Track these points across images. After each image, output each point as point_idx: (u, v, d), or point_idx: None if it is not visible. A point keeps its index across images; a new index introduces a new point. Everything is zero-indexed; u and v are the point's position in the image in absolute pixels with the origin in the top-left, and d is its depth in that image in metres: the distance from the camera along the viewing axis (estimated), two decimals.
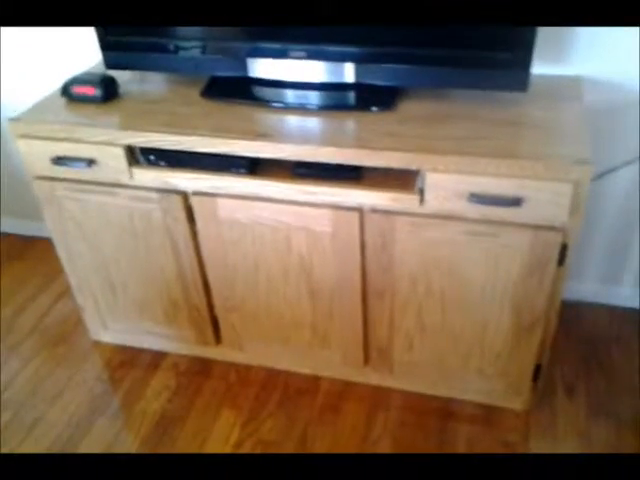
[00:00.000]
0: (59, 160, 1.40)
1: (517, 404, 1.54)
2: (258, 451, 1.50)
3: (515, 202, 1.18)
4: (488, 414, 1.55)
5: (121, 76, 1.52)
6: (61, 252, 1.61)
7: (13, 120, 1.41)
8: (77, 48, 1.75)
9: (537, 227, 1.22)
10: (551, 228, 1.21)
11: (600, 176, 1.58)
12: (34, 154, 1.43)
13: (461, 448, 1.48)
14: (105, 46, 1.46)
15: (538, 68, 1.45)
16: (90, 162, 1.39)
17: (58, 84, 1.49)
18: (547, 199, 1.17)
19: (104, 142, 1.36)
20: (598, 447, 1.47)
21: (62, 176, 1.45)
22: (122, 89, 1.49)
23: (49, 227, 1.57)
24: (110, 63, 1.48)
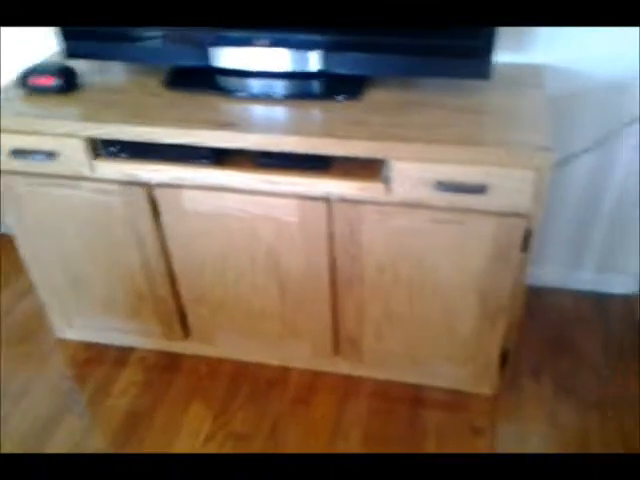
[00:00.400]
0: (18, 153, 1.37)
1: (485, 389, 1.57)
2: (229, 444, 1.50)
3: (480, 189, 1.20)
4: (457, 400, 1.57)
5: (80, 66, 1.49)
6: (22, 248, 1.57)
7: None
8: (32, 37, 1.70)
9: (501, 214, 1.23)
10: (515, 214, 1.23)
11: (561, 163, 1.61)
12: None
13: (431, 434, 1.50)
14: (65, 35, 1.42)
15: (501, 56, 1.47)
16: (50, 155, 1.35)
17: (13, 75, 1.44)
18: (510, 186, 1.19)
19: (64, 134, 1.32)
20: (564, 427, 1.50)
21: (21, 170, 1.41)
22: (81, 80, 1.46)
23: (9, 222, 1.52)
24: (71, 52, 1.44)
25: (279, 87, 1.38)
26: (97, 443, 1.52)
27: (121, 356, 1.73)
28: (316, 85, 1.40)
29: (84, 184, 1.39)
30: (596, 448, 1.45)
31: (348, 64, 1.34)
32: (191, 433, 1.53)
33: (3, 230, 2.16)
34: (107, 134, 1.31)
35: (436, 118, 1.26)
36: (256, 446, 1.49)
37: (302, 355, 1.62)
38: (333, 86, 1.37)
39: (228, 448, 1.49)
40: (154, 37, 1.38)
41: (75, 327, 1.74)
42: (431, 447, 1.47)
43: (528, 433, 1.50)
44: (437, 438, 1.49)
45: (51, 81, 1.40)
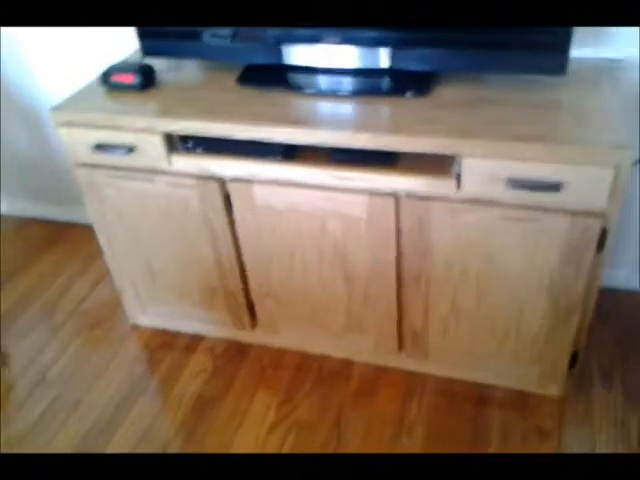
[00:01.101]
0: (99, 147, 1.44)
1: (552, 391, 1.54)
2: (293, 433, 1.53)
3: (554, 187, 1.17)
4: (522, 400, 1.55)
5: (158, 64, 1.54)
6: (101, 237, 1.65)
7: (55, 109, 1.44)
8: (114, 36, 1.77)
9: (576, 212, 1.20)
10: (590, 213, 1.20)
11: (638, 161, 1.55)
12: (75, 142, 1.46)
13: (495, 434, 1.48)
14: (142, 34, 1.48)
15: (577, 51, 1.42)
16: (129, 149, 1.41)
17: (96, 73, 1.51)
18: (586, 184, 1.16)
19: (143, 129, 1.38)
20: (634, 435, 1.45)
21: (102, 163, 1.48)
22: (159, 77, 1.52)
23: (89, 213, 1.60)
24: (147, 51, 1.50)
25: (348, 83, 1.40)
26: (166, 427, 1.58)
27: (191, 343, 1.80)
28: (384, 81, 1.41)
29: (161, 178, 1.45)
30: None
31: (416, 60, 1.33)
32: (256, 420, 1.57)
33: (81, 220, 2.27)
34: (183, 129, 1.36)
35: (508, 114, 1.25)
36: (320, 436, 1.52)
37: (366, 349, 1.63)
38: (401, 82, 1.37)
39: (292, 436, 1.52)
40: (226, 36, 1.42)
41: (148, 314, 1.82)
42: (495, 447, 1.46)
43: (596, 438, 1.46)
44: (501, 438, 1.47)
45: (131, 78, 1.46)
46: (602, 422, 1.49)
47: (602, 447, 1.44)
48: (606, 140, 1.14)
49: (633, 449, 1.42)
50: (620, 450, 1.43)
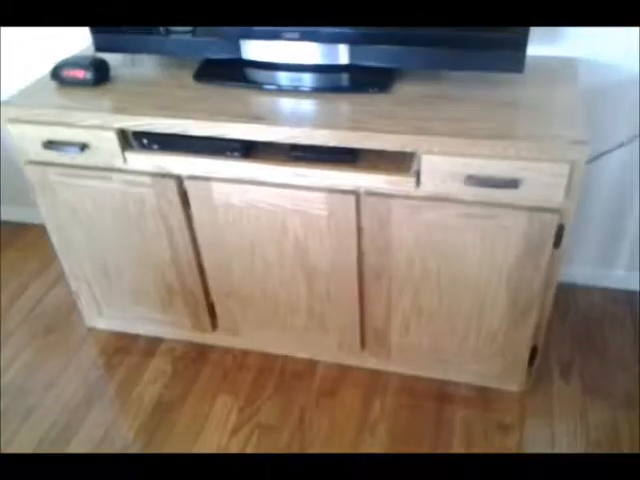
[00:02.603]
0: (51, 145, 1.39)
1: (513, 386, 1.55)
2: (256, 435, 1.51)
3: (512, 184, 1.18)
4: (484, 396, 1.56)
5: (112, 59, 1.50)
6: (54, 238, 1.60)
7: (2, 104, 1.39)
8: (67, 31, 1.72)
9: (533, 208, 1.21)
10: (547, 209, 1.21)
11: (595, 158, 1.58)
12: (25, 139, 1.41)
13: (458, 430, 1.49)
14: (95, 29, 1.43)
15: (534, 49, 1.44)
16: (83, 146, 1.37)
17: (48, 68, 1.47)
18: (543, 180, 1.17)
19: (96, 126, 1.34)
20: (594, 426, 1.48)
21: (54, 161, 1.43)
22: (113, 72, 1.48)
23: (42, 213, 1.55)
24: (100, 46, 1.46)
25: (308, 80, 1.38)
26: (125, 431, 1.54)
27: (150, 346, 1.76)
28: (345, 78, 1.40)
29: (116, 175, 1.41)
30: (626, 447, 1.43)
31: (377, 57, 1.33)
32: (218, 424, 1.54)
33: (35, 220, 2.20)
34: (138, 126, 1.32)
35: (467, 111, 1.25)
36: (283, 438, 1.50)
37: (329, 349, 1.62)
38: (362, 79, 1.36)
39: (255, 439, 1.50)
40: (184, 31, 1.39)
41: (105, 317, 1.77)
42: (458, 443, 1.46)
43: (557, 431, 1.48)
44: (464, 434, 1.48)
45: (83, 74, 1.42)
46: (562, 415, 1.51)
47: (562, 439, 1.46)
48: (562, 136, 1.15)
49: (591, 441, 1.44)
50: (579, 442, 1.45)
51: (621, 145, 1.55)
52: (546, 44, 1.45)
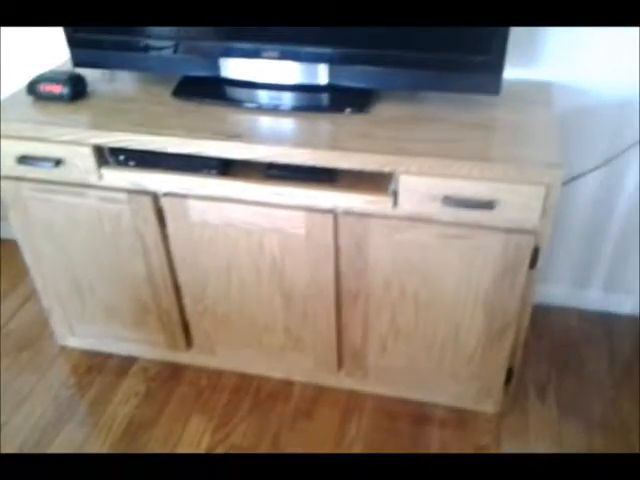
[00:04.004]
0: (25, 160, 1.37)
1: (489, 407, 1.55)
2: None
3: (488, 205, 1.19)
4: (461, 417, 1.55)
5: (90, 74, 1.49)
6: (27, 254, 1.57)
7: None
8: (44, 45, 1.71)
9: (509, 230, 1.22)
10: (523, 231, 1.22)
11: (571, 180, 1.60)
12: None
13: (434, 452, 1.48)
14: (73, 43, 1.42)
15: (510, 72, 1.46)
16: (57, 162, 1.35)
17: (24, 82, 1.45)
18: (519, 202, 1.18)
19: (71, 141, 1.32)
20: (569, 448, 1.48)
21: (28, 176, 1.41)
22: (91, 88, 1.46)
23: (14, 228, 1.52)
24: (78, 61, 1.45)
25: (287, 99, 1.38)
26: (96, 451, 1.50)
27: (123, 365, 1.72)
28: (324, 98, 1.40)
29: (91, 192, 1.39)
30: None
31: (356, 77, 1.34)
32: (191, 445, 1.51)
33: (6, 235, 2.16)
34: (115, 142, 1.31)
35: (444, 133, 1.26)
36: None
37: (305, 369, 1.60)
38: (341, 99, 1.37)
39: None
40: (163, 47, 1.39)
41: (77, 335, 1.73)
42: None
43: (533, 452, 1.47)
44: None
45: (60, 89, 1.40)
46: (537, 436, 1.51)
47: None
48: (537, 159, 1.16)
49: None
50: None
51: (595, 168, 1.57)
52: (522, 67, 1.47)
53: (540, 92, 1.41)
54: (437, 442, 1.50)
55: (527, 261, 1.25)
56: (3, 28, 1.71)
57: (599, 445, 1.48)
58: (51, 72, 1.45)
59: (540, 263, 1.26)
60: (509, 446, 1.49)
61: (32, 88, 1.42)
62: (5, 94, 1.76)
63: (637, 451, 1.46)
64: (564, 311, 1.85)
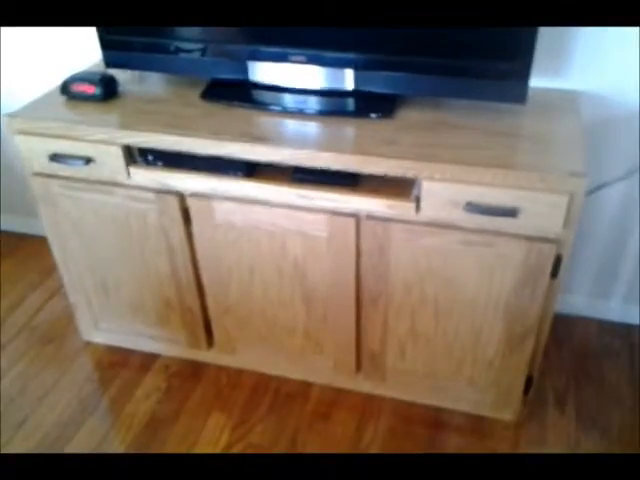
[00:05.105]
0: (56, 157, 1.40)
1: (507, 415, 1.54)
2: None
3: (510, 212, 1.19)
4: (478, 425, 1.55)
5: (120, 75, 1.52)
6: (55, 250, 1.61)
7: (11, 115, 1.40)
8: (77, 46, 1.75)
9: (531, 238, 1.22)
10: (545, 239, 1.22)
11: (594, 190, 1.59)
12: (32, 151, 1.43)
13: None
14: (105, 45, 1.46)
15: (536, 81, 1.46)
16: (87, 160, 1.38)
17: (58, 82, 1.49)
18: (542, 210, 1.18)
19: (102, 141, 1.36)
20: None
21: (59, 174, 1.45)
22: (121, 88, 1.50)
23: (44, 224, 1.56)
24: (110, 62, 1.49)
25: (313, 103, 1.40)
26: (117, 446, 1.53)
27: (145, 362, 1.75)
28: (349, 102, 1.42)
29: (119, 190, 1.42)
30: None
31: (381, 83, 1.35)
32: (210, 442, 1.53)
33: (36, 231, 2.21)
34: (144, 142, 1.34)
35: (469, 140, 1.27)
36: None
37: (324, 371, 1.62)
38: (366, 104, 1.38)
39: None
40: (193, 50, 1.41)
41: (102, 330, 1.77)
42: None
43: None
44: None
45: (92, 89, 1.44)
46: (555, 446, 1.50)
47: None
48: (561, 168, 1.17)
49: None
50: None
51: (620, 178, 1.56)
52: (550, 76, 1.47)
53: (567, 101, 1.41)
54: (453, 448, 1.50)
55: (549, 270, 1.25)
56: (38, 29, 1.76)
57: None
58: (84, 72, 1.49)
59: (562, 272, 1.26)
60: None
61: (65, 88, 1.45)
62: (39, 93, 1.80)
63: None
64: (584, 321, 1.84)
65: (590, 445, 1.50)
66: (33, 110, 1.43)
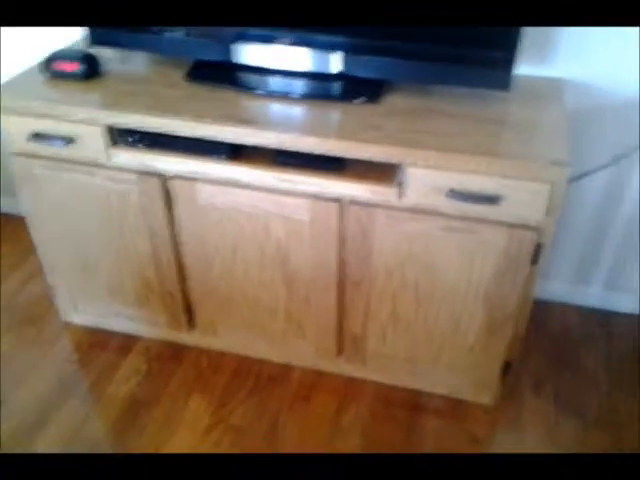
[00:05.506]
0: (37, 137, 1.38)
1: (485, 399, 1.57)
2: (228, 437, 1.50)
3: (493, 200, 1.20)
4: (457, 408, 1.57)
5: (104, 54, 1.50)
6: (34, 230, 1.59)
7: None
8: None
9: (513, 225, 1.23)
10: (527, 227, 1.23)
11: (578, 178, 1.61)
12: (12, 130, 1.40)
13: (429, 441, 1.50)
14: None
15: (523, 69, 1.47)
16: (69, 140, 1.36)
17: (37, 60, 1.46)
18: (524, 198, 1.19)
19: (83, 121, 1.34)
20: (563, 443, 1.50)
21: (40, 153, 1.42)
22: (104, 68, 1.47)
23: (24, 204, 1.54)
24: (96, 40, 1.46)
25: (298, 86, 1.39)
26: (97, 428, 1.53)
27: (125, 344, 1.75)
28: (335, 86, 1.41)
29: (100, 171, 1.40)
30: None
31: (368, 67, 1.34)
32: (191, 424, 1.54)
33: (15, 211, 2.18)
34: (126, 123, 1.32)
35: (453, 126, 1.27)
36: (254, 441, 1.50)
37: (305, 354, 1.63)
38: (352, 88, 1.38)
39: (227, 441, 1.50)
40: (178, 30, 1.39)
41: (81, 312, 1.76)
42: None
43: (526, 447, 1.50)
44: (434, 445, 1.49)
45: (74, 67, 1.41)
46: (532, 431, 1.53)
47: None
48: (544, 156, 1.17)
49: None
50: None
51: (603, 167, 1.58)
52: (535, 64, 1.48)
53: (552, 89, 1.42)
54: (432, 431, 1.52)
55: (529, 257, 1.26)
56: None
57: (593, 440, 1.50)
58: (65, 50, 1.46)
59: (542, 259, 1.28)
60: (502, 440, 1.51)
61: (45, 66, 1.43)
62: (18, 72, 1.77)
63: (631, 447, 1.48)
64: (564, 307, 1.87)
65: (567, 429, 1.53)
66: (13, 88, 1.40)
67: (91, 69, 1.43)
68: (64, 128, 1.36)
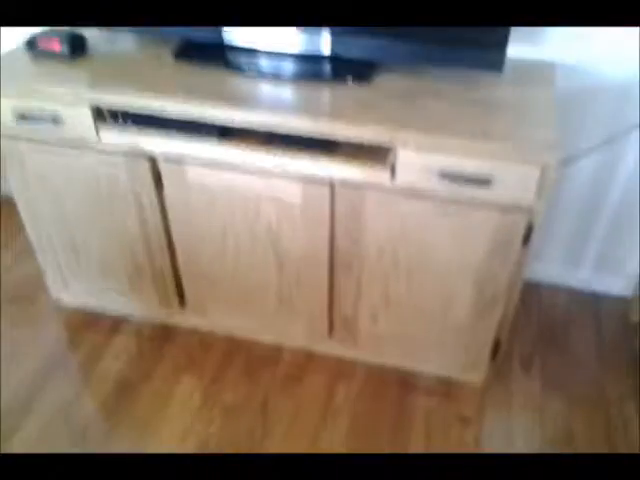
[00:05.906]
0: (23, 117, 1.36)
1: (475, 378, 1.58)
2: (219, 415, 1.51)
3: (484, 182, 1.20)
4: (447, 388, 1.59)
5: (91, 35, 1.47)
6: (23, 211, 1.57)
7: None
8: None
9: (504, 207, 1.23)
10: (518, 209, 1.23)
11: (567, 160, 1.60)
12: None
13: (418, 420, 1.52)
14: None
15: (513, 51, 1.45)
16: (55, 120, 1.35)
17: (22, 38, 1.43)
18: (515, 180, 1.19)
19: (70, 100, 1.31)
20: (551, 422, 1.52)
21: (27, 134, 1.40)
22: (91, 47, 1.45)
23: (11, 185, 1.52)
24: None
25: (289, 67, 1.38)
26: (87, 406, 1.54)
27: (116, 323, 1.75)
28: (326, 67, 1.39)
29: (88, 152, 1.39)
30: (581, 444, 1.47)
31: (358, 48, 1.33)
32: (181, 403, 1.55)
33: (4, 192, 2.16)
34: (113, 103, 1.30)
35: (445, 108, 1.26)
36: (246, 421, 1.51)
37: (296, 334, 1.63)
38: (343, 69, 1.36)
39: (217, 422, 1.51)
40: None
41: (72, 292, 1.75)
42: (417, 432, 1.49)
43: (514, 425, 1.52)
44: (424, 424, 1.51)
45: (60, 46, 1.39)
46: (520, 409, 1.55)
47: (519, 432, 1.49)
48: (535, 138, 1.17)
49: (547, 437, 1.49)
50: (536, 438, 1.49)
51: (593, 149, 1.57)
52: (527, 47, 1.46)
53: (543, 72, 1.41)
54: (422, 411, 1.54)
55: (520, 238, 1.27)
56: None
57: (580, 422, 1.52)
58: (50, 29, 1.43)
59: (533, 241, 1.28)
60: (491, 418, 1.53)
61: (31, 44, 1.40)
62: (3, 51, 1.74)
63: (615, 426, 1.51)
64: (554, 289, 1.88)
65: (554, 408, 1.55)
66: None
67: (77, 48, 1.41)
68: (50, 108, 1.34)
